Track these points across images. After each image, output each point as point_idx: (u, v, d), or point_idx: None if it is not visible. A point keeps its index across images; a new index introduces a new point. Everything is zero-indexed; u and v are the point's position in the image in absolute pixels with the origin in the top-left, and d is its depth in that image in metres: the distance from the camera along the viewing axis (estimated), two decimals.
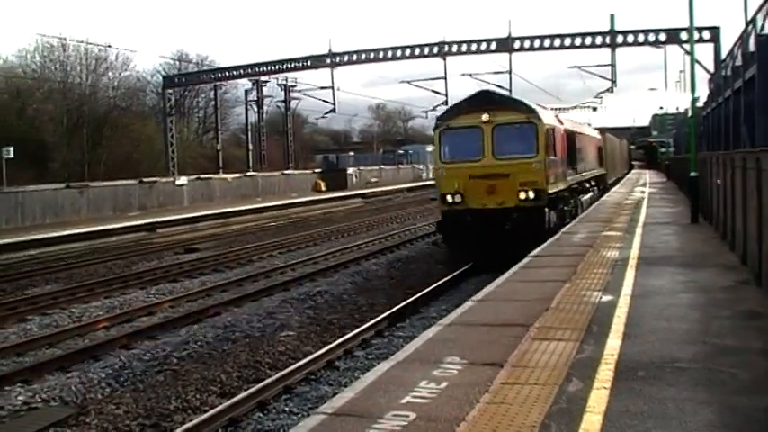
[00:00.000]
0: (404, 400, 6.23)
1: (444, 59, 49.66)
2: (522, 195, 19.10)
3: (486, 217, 19.26)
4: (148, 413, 9.69)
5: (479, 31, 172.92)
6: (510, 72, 47.78)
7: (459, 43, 49.81)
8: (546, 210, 19.31)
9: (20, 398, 10.47)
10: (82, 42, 56.26)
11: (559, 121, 22.67)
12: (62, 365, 11.91)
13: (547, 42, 48.14)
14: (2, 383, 10.99)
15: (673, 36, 44.86)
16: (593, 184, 32.28)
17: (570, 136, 24.63)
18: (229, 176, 58.19)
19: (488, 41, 48.84)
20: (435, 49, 49.70)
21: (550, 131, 20.23)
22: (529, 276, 12.67)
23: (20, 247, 28.50)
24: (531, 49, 48.46)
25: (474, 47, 49.29)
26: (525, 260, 14.52)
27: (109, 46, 60.04)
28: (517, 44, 48.20)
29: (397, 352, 7.87)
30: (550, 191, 19.75)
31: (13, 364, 12.33)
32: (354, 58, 52.52)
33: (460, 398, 6.25)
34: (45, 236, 30.43)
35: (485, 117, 19.38)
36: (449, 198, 19.84)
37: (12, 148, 40.37)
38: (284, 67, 57.25)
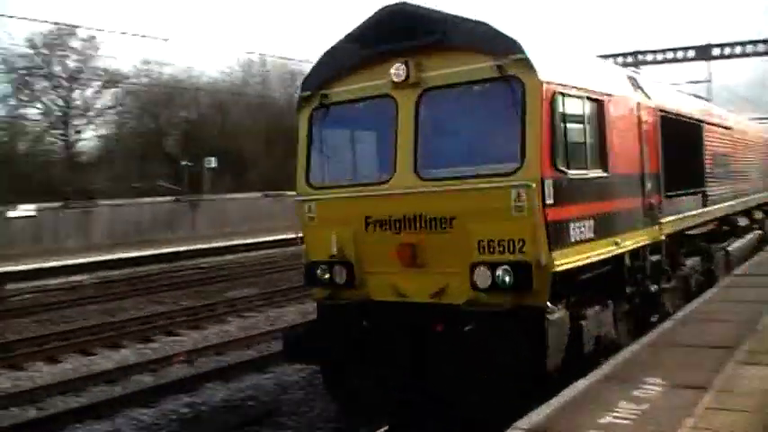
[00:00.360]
0: (603, 420, 6.00)
1: (638, 68, 48.22)
2: (482, 278, 7.47)
3: (401, 326, 8.13)
4: (339, 417, 9.87)
5: (673, 39, 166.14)
6: (710, 81, 45.84)
7: (655, 52, 48.29)
8: (551, 316, 7.33)
9: (220, 395, 11.04)
10: (280, 58, 58.75)
11: (635, 86, 10.17)
12: (258, 366, 12.44)
13: (749, 48, 45.72)
14: (203, 380, 11.66)
15: None
16: (757, 217, 19.13)
17: (684, 127, 12.15)
18: None
19: (685, 49, 47.12)
20: (629, 59, 48.42)
21: (573, 103, 7.95)
22: (732, 296, 11.93)
23: (220, 251, 30.11)
24: (732, 56, 46.21)
25: (670, 55, 47.66)
26: (727, 279, 13.67)
27: (307, 60, 62.11)
28: (716, 51, 46.11)
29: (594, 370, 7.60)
30: (568, 262, 7.60)
31: (213, 362, 13.03)
32: None
33: (663, 421, 5.94)
34: (243, 242, 31.99)
35: (397, 70, 8.10)
36: (321, 274, 8.81)
37: (214, 159, 42.85)
38: None
